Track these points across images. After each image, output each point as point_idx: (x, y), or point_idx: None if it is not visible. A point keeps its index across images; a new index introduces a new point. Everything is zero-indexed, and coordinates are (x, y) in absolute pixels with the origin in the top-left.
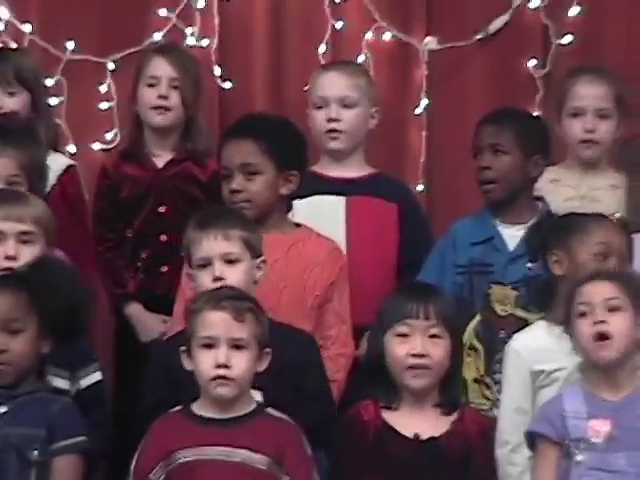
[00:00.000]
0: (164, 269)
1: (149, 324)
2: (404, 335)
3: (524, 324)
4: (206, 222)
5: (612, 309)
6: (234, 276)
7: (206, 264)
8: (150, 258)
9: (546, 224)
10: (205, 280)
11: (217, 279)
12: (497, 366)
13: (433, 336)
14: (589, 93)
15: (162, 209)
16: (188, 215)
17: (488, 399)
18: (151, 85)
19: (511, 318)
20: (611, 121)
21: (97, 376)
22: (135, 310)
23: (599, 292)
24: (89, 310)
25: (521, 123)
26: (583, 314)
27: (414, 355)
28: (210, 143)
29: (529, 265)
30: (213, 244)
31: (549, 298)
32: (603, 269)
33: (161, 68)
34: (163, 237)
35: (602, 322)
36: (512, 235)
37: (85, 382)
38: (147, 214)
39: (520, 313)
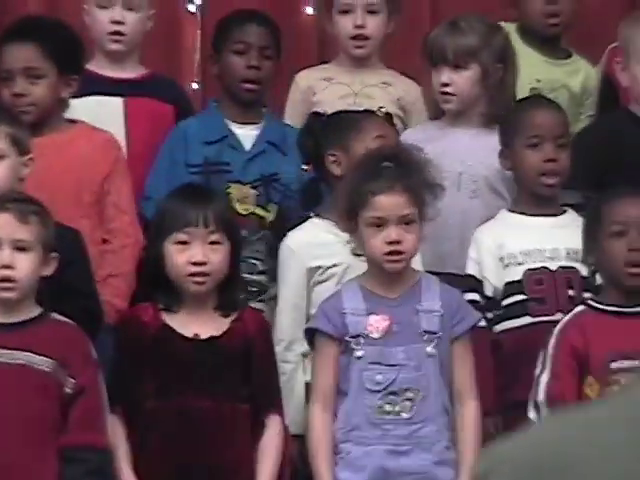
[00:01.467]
0: None
1: None
2: (184, 242)
3: (265, 223)
4: None
5: (407, 222)
6: None
7: None
8: None
9: (317, 125)
10: None
11: None
12: (243, 265)
13: (213, 242)
14: None
15: None
16: None
17: None
18: None
19: (252, 217)
20: (381, 16)
21: None
22: None
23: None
24: None
25: None
26: (377, 225)
27: (194, 263)
28: None
29: (304, 167)
30: None
31: (318, 196)
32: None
33: None
34: None
35: (397, 242)
36: (246, 134)
37: None
38: None
39: (260, 212)
